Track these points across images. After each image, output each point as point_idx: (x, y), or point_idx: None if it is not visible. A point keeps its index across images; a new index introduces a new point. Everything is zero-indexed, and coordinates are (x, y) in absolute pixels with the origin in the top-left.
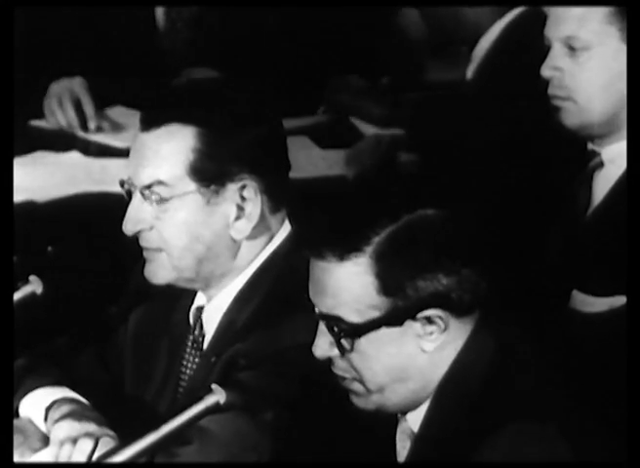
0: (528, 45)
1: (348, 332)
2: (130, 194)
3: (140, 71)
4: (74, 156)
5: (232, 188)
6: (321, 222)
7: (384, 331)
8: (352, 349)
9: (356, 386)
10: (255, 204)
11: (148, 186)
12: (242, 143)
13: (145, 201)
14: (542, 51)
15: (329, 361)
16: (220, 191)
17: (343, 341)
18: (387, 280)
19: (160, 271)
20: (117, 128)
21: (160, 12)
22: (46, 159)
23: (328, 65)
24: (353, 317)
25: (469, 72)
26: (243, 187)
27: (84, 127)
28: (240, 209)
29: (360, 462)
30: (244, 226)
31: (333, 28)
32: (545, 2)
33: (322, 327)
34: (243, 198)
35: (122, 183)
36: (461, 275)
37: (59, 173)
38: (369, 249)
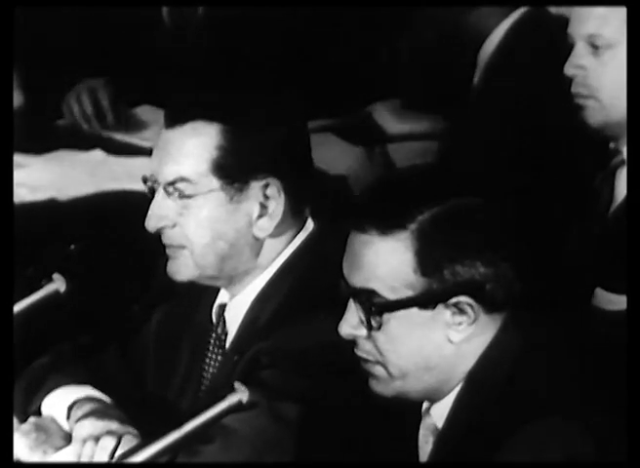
0: (532, 46)
1: (380, 307)
2: (153, 191)
3: (145, 71)
4: (97, 154)
5: (256, 186)
6: (367, 196)
7: (415, 314)
8: (380, 328)
9: (378, 370)
10: (278, 202)
11: (172, 183)
12: (266, 142)
13: (168, 198)
14: (547, 50)
15: (352, 343)
16: (244, 189)
17: (372, 318)
18: (426, 259)
19: (183, 268)
20: (142, 126)
21: (165, 11)
22: (68, 157)
23: (331, 71)
24: (387, 293)
25: (476, 77)
26: (266, 185)
27: (101, 121)
28: (263, 207)
29: (379, 460)
30: (267, 224)
31: (341, 31)
32: (545, 2)
33: (351, 304)
34: (266, 196)
35: (145, 180)
36: (499, 268)
37: (81, 171)
38: (412, 226)
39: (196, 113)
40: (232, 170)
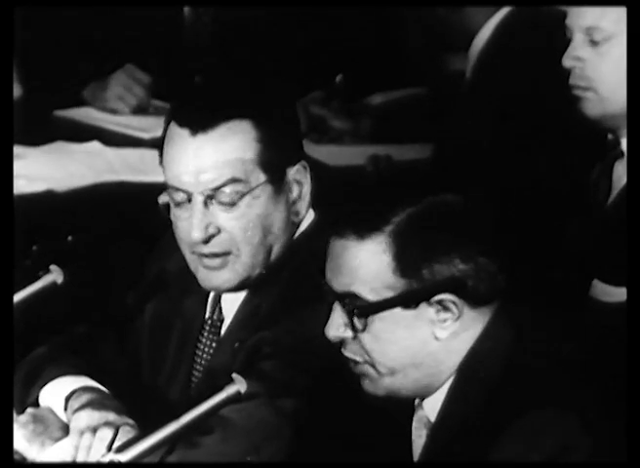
0: (524, 38)
1: (362, 310)
2: (167, 205)
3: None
4: (94, 146)
5: (290, 172)
6: (343, 201)
7: (398, 314)
8: (365, 329)
9: (367, 369)
10: (306, 183)
11: (218, 188)
12: (293, 127)
13: (210, 203)
14: (541, 42)
15: (341, 344)
16: (283, 177)
17: (356, 320)
18: (404, 260)
19: (233, 276)
20: (159, 114)
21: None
22: (66, 149)
23: (334, 64)
24: (368, 296)
25: (467, 72)
26: (297, 171)
27: (131, 104)
28: (296, 191)
29: (374, 454)
30: (301, 207)
31: (340, 28)
32: (543, 2)
33: (336, 307)
34: (297, 181)
35: (177, 191)
36: (478, 263)
37: (79, 162)
38: (388, 228)
39: (226, 114)
40: (274, 160)
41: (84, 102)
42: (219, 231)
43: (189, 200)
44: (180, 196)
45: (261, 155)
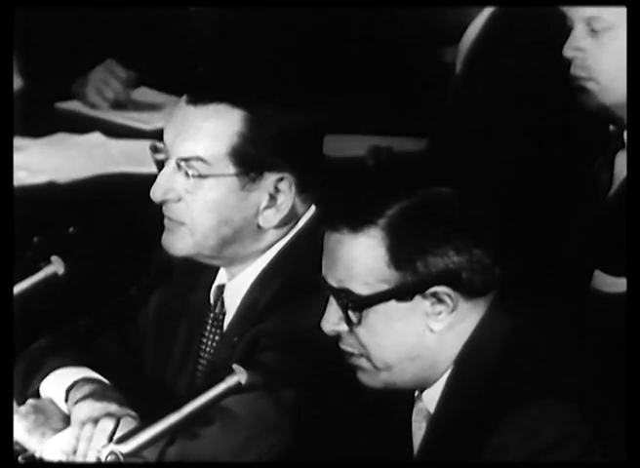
0: (518, 29)
1: (356, 304)
2: (161, 162)
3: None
4: (96, 137)
5: (269, 178)
6: (336, 195)
7: (393, 307)
8: (360, 323)
9: (364, 363)
10: (287, 197)
11: (186, 159)
12: (287, 136)
13: (178, 172)
14: (537, 32)
15: (337, 337)
16: (258, 179)
17: (351, 314)
18: (398, 253)
19: (180, 244)
20: (140, 108)
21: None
22: (68, 140)
23: (334, 65)
24: (362, 290)
25: (458, 65)
26: (280, 179)
27: (110, 100)
28: (272, 198)
29: (374, 446)
30: (273, 216)
31: (338, 29)
32: (543, 2)
33: (332, 301)
34: (277, 189)
35: (155, 148)
36: (473, 255)
37: (80, 154)
38: (381, 221)
39: (223, 96)
40: (250, 159)
41: (72, 96)
42: (179, 200)
43: (164, 161)
44: (158, 156)
45: (238, 149)
